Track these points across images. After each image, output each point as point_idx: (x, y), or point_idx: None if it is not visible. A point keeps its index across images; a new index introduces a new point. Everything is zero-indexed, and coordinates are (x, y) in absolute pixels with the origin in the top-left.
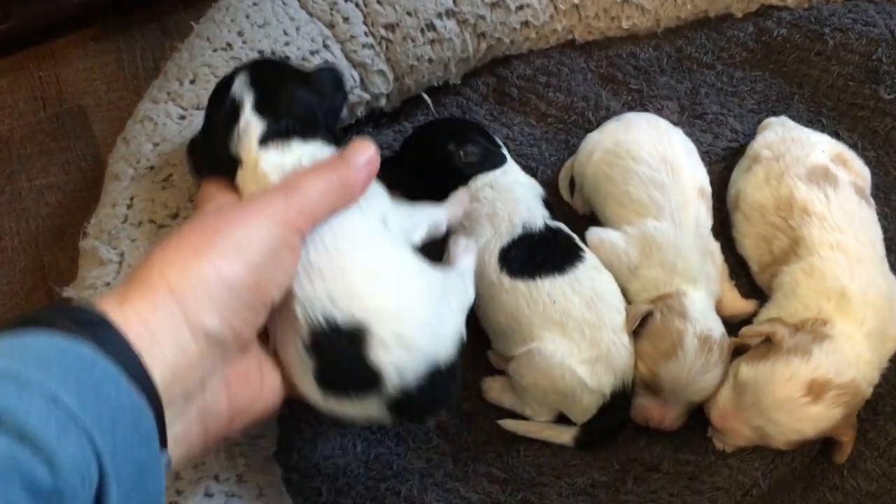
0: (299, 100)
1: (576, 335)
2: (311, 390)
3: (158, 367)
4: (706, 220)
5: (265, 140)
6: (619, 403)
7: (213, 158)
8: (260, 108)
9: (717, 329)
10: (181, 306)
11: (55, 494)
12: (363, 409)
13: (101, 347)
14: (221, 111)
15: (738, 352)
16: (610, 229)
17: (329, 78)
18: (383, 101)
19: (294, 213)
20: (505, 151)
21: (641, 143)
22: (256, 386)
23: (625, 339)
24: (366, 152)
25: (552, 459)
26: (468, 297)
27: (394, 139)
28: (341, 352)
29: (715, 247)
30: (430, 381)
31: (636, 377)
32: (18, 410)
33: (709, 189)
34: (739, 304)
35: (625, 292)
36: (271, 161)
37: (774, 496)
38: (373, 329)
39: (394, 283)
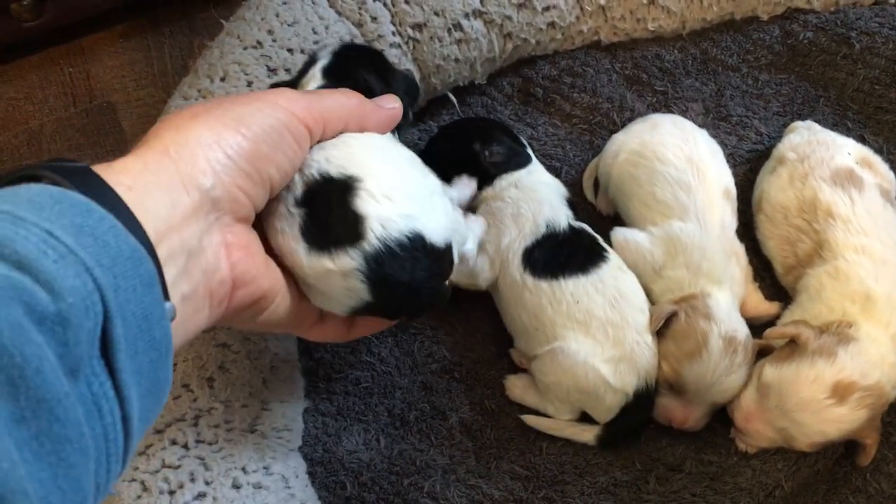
0: (360, 79)
1: (599, 335)
2: (294, 248)
3: (151, 221)
4: (731, 221)
5: None
6: (641, 403)
7: None
8: (327, 71)
9: (742, 330)
10: (175, 164)
11: (59, 320)
12: (343, 266)
13: (91, 197)
14: (302, 66)
15: (761, 353)
16: (635, 230)
17: (404, 82)
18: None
19: (302, 107)
20: (530, 151)
21: (667, 144)
22: (260, 261)
23: (648, 338)
24: (391, 101)
25: (574, 458)
26: (464, 229)
27: (419, 138)
28: (331, 199)
29: (740, 248)
30: (412, 252)
31: (659, 377)
32: (15, 241)
33: (734, 190)
34: (763, 306)
35: (649, 293)
36: None
37: (797, 498)
38: (364, 182)
39: (392, 160)
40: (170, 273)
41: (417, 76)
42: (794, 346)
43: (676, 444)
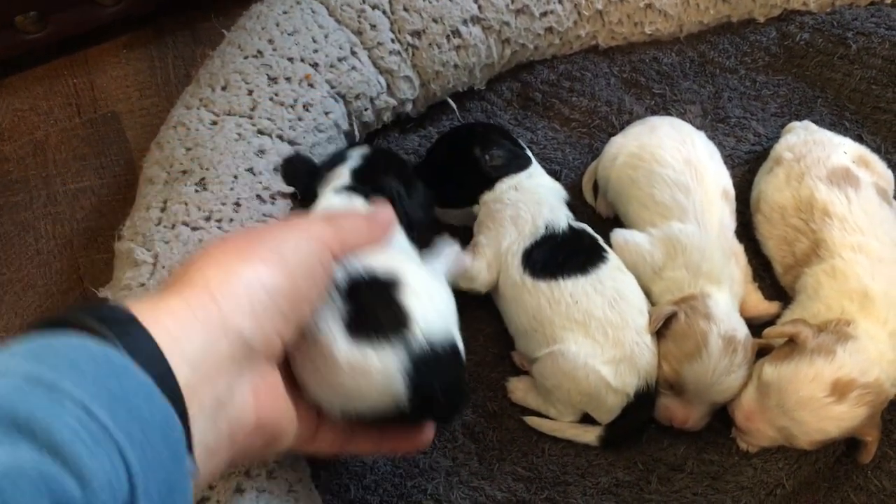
0: (386, 187)
1: (599, 335)
2: (332, 340)
3: (186, 369)
4: (730, 221)
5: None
6: (643, 403)
7: (306, 184)
8: (356, 173)
9: (742, 330)
10: (218, 305)
11: None
12: (384, 362)
13: (127, 349)
14: (330, 159)
15: (761, 353)
16: (634, 231)
17: (422, 193)
18: (409, 107)
19: (330, 236)
20: (529, 154)
21: (665, 146)
22: (283, 402)
23: (648, 339)
24: (384, 211)
25: (577, 459)
26: None
27: (419, 144)
28: (376, 293)
29: (739, 248)
30: (448, 354)
31: (659, 377)
32: (50, 422)
33: (732, 191)
34: (763, 306)
35: (648, 294)
36: (333, 203)
37: (799, 496)
38: (407, 280)
39: (418, 263)
40: (197, 428)
41: (417, 82)
42: (793, 346)
43: (678, 443)
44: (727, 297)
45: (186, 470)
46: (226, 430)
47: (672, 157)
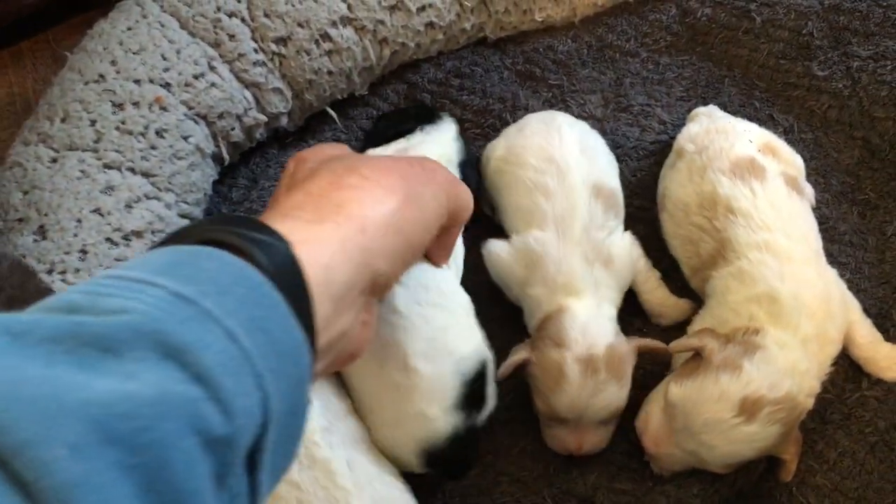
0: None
1: None
2: (442, 411)
3: (328, 301)
4: (603, 221)
5: None
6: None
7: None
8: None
9: (603, 341)
10: (367, 240)
11: (227, 441)
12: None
13: (274, 272)
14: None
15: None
16: (501, 241)
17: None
18: (284, 121)
19: (453, 204)
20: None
21: (529, 146)
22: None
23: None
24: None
25: (479, 497)
26: None
27: None
28: (481, 380)
29: (620, 250)
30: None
31: (538, 412)
32: (199, 348)
33: (611, 186)
34: (670, 302)
35: (521, 312)
36: None
37: None
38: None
39: None
40: (320, 362)
41: (289, 93)
42: (699, 360)
43: (588, 472)
44: (589, 305)
45: (307, 399)
46: (334, 359)
47: (534, 158)
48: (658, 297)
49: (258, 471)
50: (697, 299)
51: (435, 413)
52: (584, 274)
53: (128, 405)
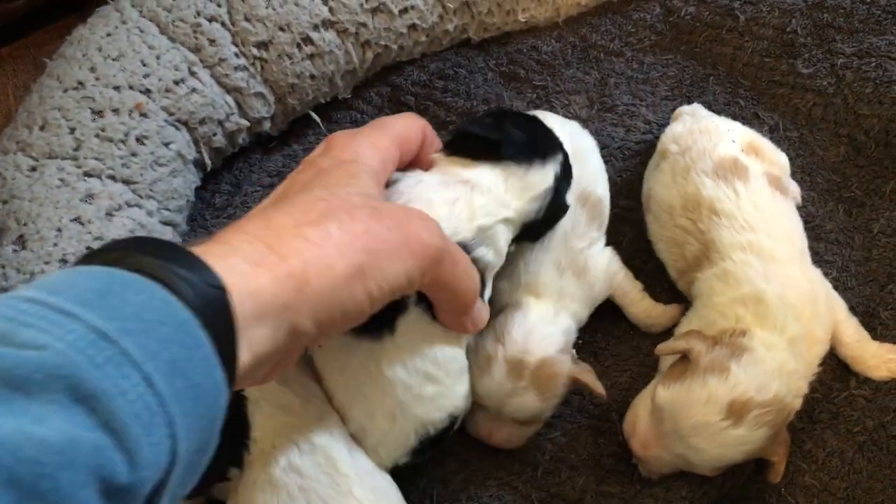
0: None
1: None
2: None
3: (244, 353)
4: (584, 231)
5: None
6: None
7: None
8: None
9: (539, 352)
10: (291, 306)
11: (128, 490)
12: None
13: (198, 309)
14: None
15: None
16: None
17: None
18: (267, 125)
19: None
20: None
21: None
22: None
23: None
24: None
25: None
26: None
27: (283, 164)
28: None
29: (595, 264)
30: None
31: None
32: (113, 397)
33: (599, 194)
34: (656, 312)
35: None
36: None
37: None
38: None
39: None
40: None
41: (271, 98)
42: (686, 363)
43: (576, 476)
44: (545, 311)
45: (217, 436)
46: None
47: None
48: (643, 309)
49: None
50: (685, 301)
51: (382, 459)
52: (549, 280)
53: (33, 451)
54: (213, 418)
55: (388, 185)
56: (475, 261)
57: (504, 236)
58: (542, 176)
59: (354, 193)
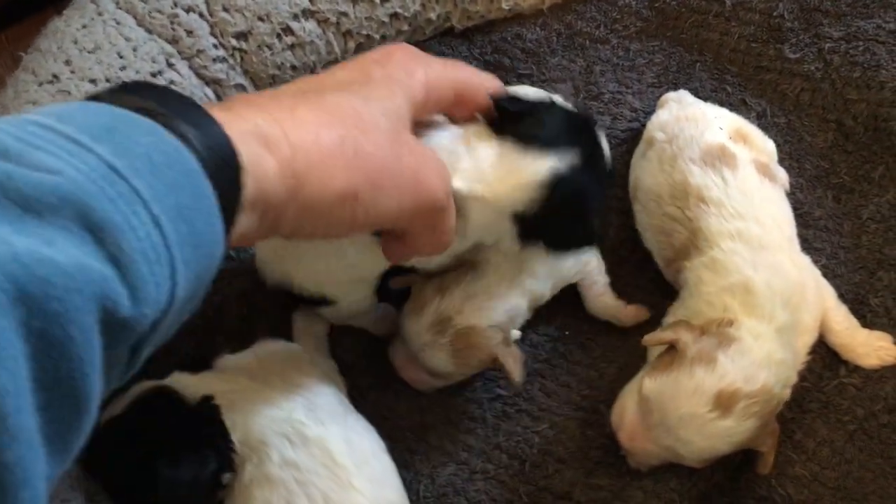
0: None
1: None
2: None
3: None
4: None
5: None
6: None
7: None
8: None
9: (471, 319)
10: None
11: (124, 325)
12: None
13: (204, 158)
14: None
15: None
16: None
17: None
18: None
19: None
20: None
21: None
22: None
23: None
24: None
25: (455, 497)
26: None
27: None
28: None
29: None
30: None
31: None
32: (121, 230)
33: None
34: (613, 307)
35: None
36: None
37: None
38: None
39: None
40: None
41: (252, 90)
42: (674, 353)
43: (564, 469)
44: (496, 282)
45: (207, 286)
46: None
47: None
48: (603, 302)
49: (139, 354)
50: (669, 293)
51: None
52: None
53: (45, 270)
54: (208, 269)
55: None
56: None
57: (480, 216)
58: (536, 165)
59: (386, 113)
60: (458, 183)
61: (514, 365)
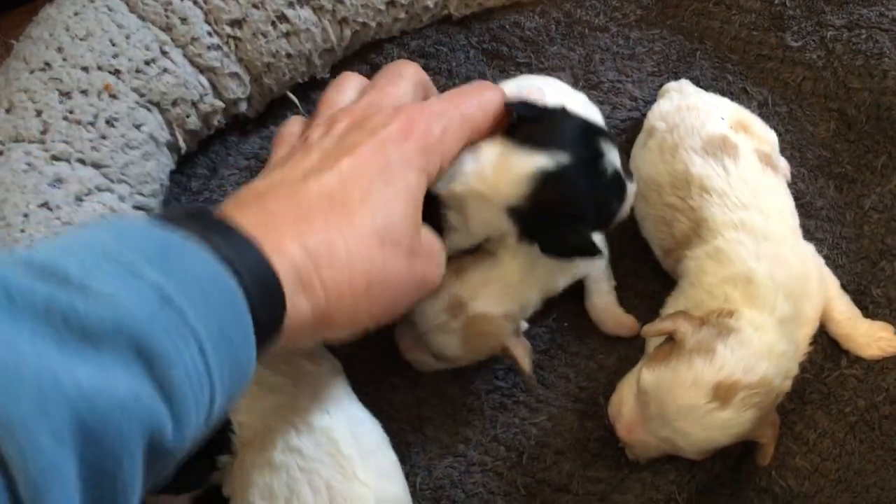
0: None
1: None
2: None
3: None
4: None
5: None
6: None
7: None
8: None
9: (484, 307)
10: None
11: (166, 453)
12: None
13: (244, 278)
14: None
15: None
16: None
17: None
18: (244, 106)
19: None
20: None
21: None
22: None
23: None
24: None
25: (451, 490)
26: None
27: (261, 147)
28: None
29: None
30: None
31: None
32: (171, 360)
33: None
34: (611, 311)
35: None
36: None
37: None
38: None
39: None
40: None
41: (247, 78)
42: (672, 344)
43: (562, 460)
44: (512, 272)
45: (237, 400)
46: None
47: None
48: (605, 302)
49: (170, 467)
50: (671, 281)
51: None
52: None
53: (108, 404)
54: (240, 389)
55: None
56: (441, 216)
57: (478, 211)
58: (526, 161)
59: (406, 218)
60: (458, 187)
61: (525, 357)
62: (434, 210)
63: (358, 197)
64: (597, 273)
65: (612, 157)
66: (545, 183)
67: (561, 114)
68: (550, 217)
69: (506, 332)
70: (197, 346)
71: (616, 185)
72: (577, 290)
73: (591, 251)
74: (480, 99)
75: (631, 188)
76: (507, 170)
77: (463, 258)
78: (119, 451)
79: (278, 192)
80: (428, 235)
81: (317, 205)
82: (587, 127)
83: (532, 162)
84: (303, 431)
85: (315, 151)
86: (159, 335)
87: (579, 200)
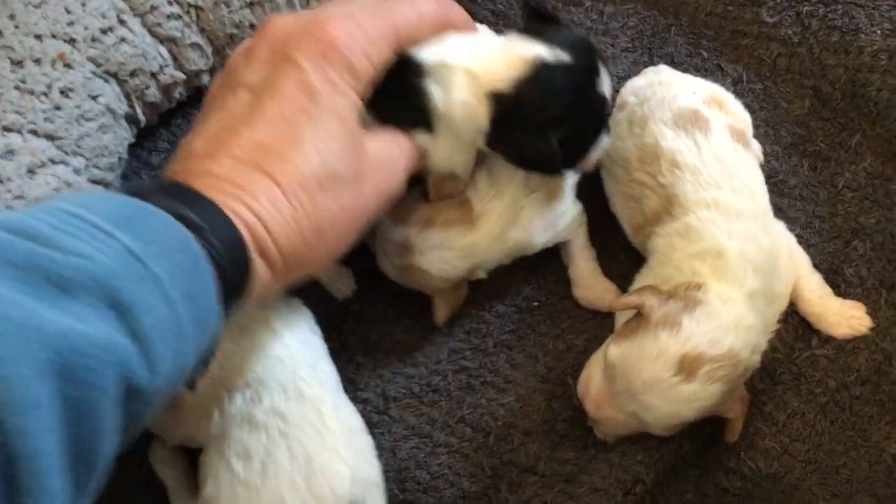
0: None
1: None
2: None
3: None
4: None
5: None
6: None
7: None
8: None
9: (433, 269)
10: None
11: (140, 394)
12: None
13: (211, 243)
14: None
15: None
16: None
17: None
18: (206, 79)
19: None
20: None
21: None
22: None
23: None
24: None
25: (417, 471)
26: None
27: None
28: None
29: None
30: None
31: None
32: (142, 310)
33: None
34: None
35: None
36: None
37: (664, 488)
38: None
39: None
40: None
41: (209, 50)
42: (640, 319)
43: (530, 441)
44: (489, 230)
45: (209, 349)
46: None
47: None
48: (591, 268)
49: (144, 418)
50: (641, 260)
51: None
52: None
53: (85, 344)
54: (207, 344)
55: None
56: (422, 93)
57: (460, 90)
58: (527, 48)
59: (345, 137)
60: (450, 57)
61: (442, 308)
62: (414, 78)
63: (290, 144)
64: (581, 240)
65: (607, 84)
66: (538, 72)
67: (569, 27)
68: (528, 111)
69: (435, 287)
70: (166, 300)
71: (599, 111)
72: (550, 268)
73: (553, 162)
74: (413, 4)
75: (606, 138)
76: (505, 53)
77: (440, 209)
78: (95, 388)
79: (218, 153)
80: (380, 143)
81: (255, 161)
82: (594, 48)
83: (534, 49)
84: (292, 398)
85: (242, 91)
86: (129, 287)
87: (561, 103)
